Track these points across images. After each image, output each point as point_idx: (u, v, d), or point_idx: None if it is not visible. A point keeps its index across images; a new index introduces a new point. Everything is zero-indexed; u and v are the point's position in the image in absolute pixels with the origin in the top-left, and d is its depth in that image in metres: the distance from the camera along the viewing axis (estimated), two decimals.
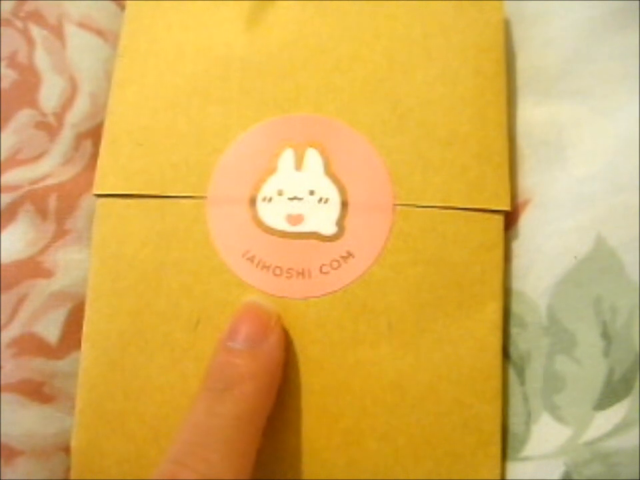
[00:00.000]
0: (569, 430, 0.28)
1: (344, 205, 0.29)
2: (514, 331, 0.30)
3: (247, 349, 0.27)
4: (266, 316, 0.28)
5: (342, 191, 0.29)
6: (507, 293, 0.30)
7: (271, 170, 0.30)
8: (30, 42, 0.33)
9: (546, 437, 0.28)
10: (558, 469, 0.27)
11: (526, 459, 0.28)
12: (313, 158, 0.30)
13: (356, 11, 0.31)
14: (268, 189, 0.30)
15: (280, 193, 0.30)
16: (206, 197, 0.30)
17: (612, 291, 0.28)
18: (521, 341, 0.29)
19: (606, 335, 0.28)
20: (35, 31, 0.33)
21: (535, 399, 0.29)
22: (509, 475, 0.29)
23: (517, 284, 0.30)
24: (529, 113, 0.31)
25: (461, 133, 0.30)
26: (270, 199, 0.30)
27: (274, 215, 0.29)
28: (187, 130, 0.30)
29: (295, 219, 0.29)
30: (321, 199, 0.29)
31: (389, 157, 0.30)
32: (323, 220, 0.29)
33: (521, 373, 0.29)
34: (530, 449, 0.28)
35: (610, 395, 0.28)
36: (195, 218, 0.30)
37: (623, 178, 0.29)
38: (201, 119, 0.31)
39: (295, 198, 0.30)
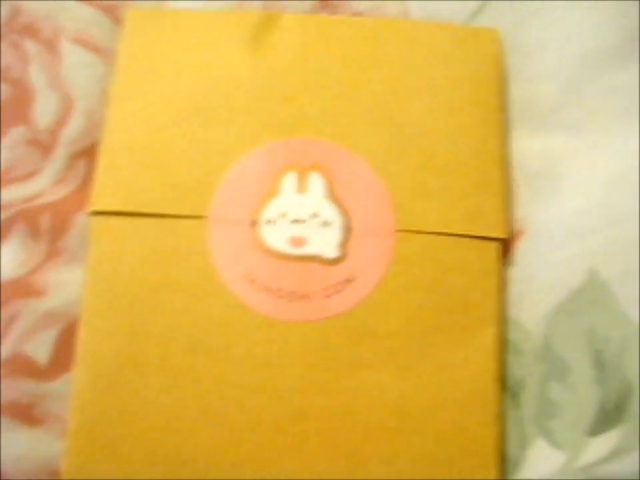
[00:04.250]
0: (564, 455, 0.28)
1: (346, 228, 0.30)
2: (510, 357, 0.30)
3: None
4: None
5: (344, 214, 0.30)
6: (503, 320, 0.30)
7: (274, 192, 0.30)
8: (24, 56, 0.33)
9: (541, 462, 0.29)
10: None
11: None
12: (315, 181, 0.30)
13: (358, 35, 0.32)
14: (270, 211, 0.30)
15: (282, 216, 0.30)
16: (207, 217, 0.30)
17: (604, 322, 0.29)
18: (516, 368, 0.30)
19: (598, 364, 0.29)
20: (30, 45, 0.33)
21: (530, 424, 0.29)
22: None
23: (513, 312, 0.30)
24: (524, 144, 0.32)
25: (460, 162, 0.30)
26: (272, 221, 0.30)
27: (276, 237, 0.29)
28: (187, 149, 0.30)
29: (297, 241, 0.29)
30: (323, 222, 0.30)
31: (391, 182, 0.30)
32: (325, 243, 0.29)
33: (516, 399, 0.30)
34: (525, 473, 0.29)
35: (603, 421, 0.28)
36: (195, 238, 0.29)
37: (617, 211, 0.30)
38: (202, 138, 0.30)
39: (297, 220, 0.30)
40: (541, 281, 0.30)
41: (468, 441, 0.28)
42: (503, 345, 0.30)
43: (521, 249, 0.31)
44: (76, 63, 0.33)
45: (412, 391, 0.28)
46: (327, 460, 0.28)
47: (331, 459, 0.28)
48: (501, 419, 0.29)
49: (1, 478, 0.28)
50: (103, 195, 0.30)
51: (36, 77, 0.33)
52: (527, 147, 0.32)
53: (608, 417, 0.28)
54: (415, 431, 0.28)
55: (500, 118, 0.31)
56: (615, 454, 0.27)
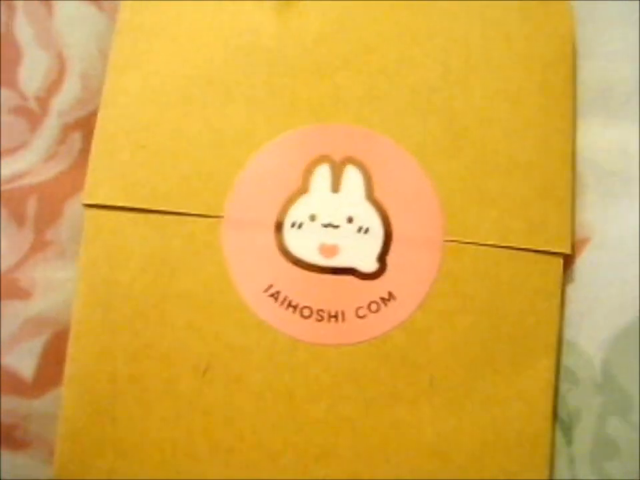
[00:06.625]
0: None
1: (387, 237, 0.25)
2: (564, 386, 0.26)
3: None
4: None
5: (385, 220, 0.25)
6: (558, 343, 0.26)
7: (303, 189, 0.25)
8: (9, 7, 0.27)
9: None
10: None
11: None
12: (352, 178, 0.25)
13: (408, 3, 0.27)
14: (298, 213, 0.25)
15: (312, 218, 0.25)
16: (222, 217, 0.25)
17: None
18: (570, 398, 0.26)
19: None
20: None
21: (583, 463, 0.26)
22: None
23: (569, 333, 0.26)
24: (596, 135, 0.27)
25: (522, 161, 0.26)
26: (300, 225, 0.25)
27: (304, 244, 0.25)
28: (201, 132, 0.25)
29: (329, 250, 0.25)
30: (360, 228, 0.25)
31: (441, 184, 0.25)
32: (363, 254, 0.25)
33: (568, 433, 0.26)
34: None
35: None
36: (208, 242, 0.25)
37: None
38: (218, 120, 0.25)
39: (329, 225, 0.25)
40: (606, 300, 0.26)
41: None
42: (557, 372, 0.26)
43: (584, 261, 0.27)
44: (70, 16, 0.28)
45: (455, 431, 0.25)
46: None
47: None
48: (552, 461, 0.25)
49: None
50: (97, 185, 0.25)
51: (23, 31, 0.27)
52: (598, 140, 0.27)
53: None
54: (455, 476, 0.25)
55: (570, 109, 0.27)
56: None
